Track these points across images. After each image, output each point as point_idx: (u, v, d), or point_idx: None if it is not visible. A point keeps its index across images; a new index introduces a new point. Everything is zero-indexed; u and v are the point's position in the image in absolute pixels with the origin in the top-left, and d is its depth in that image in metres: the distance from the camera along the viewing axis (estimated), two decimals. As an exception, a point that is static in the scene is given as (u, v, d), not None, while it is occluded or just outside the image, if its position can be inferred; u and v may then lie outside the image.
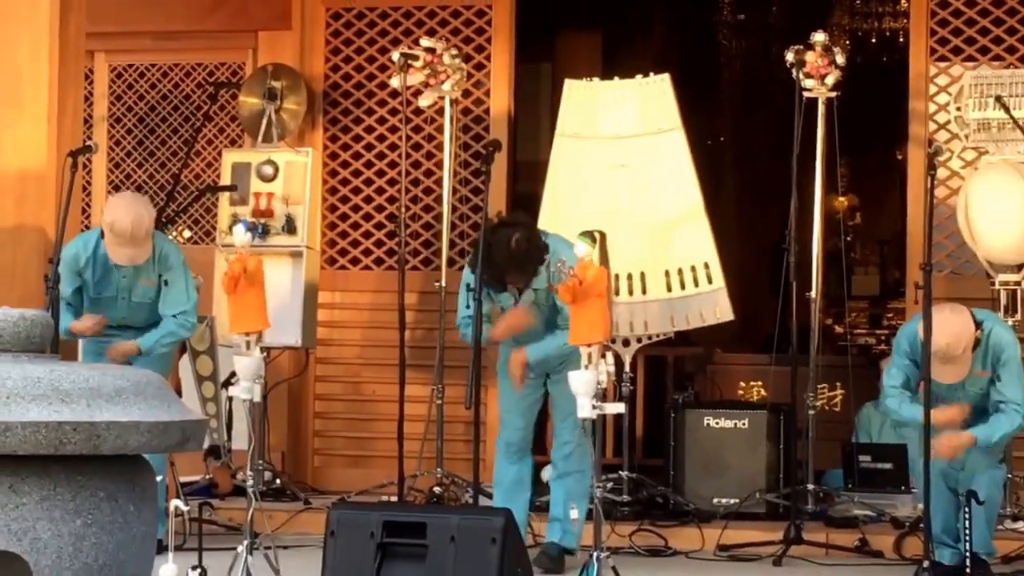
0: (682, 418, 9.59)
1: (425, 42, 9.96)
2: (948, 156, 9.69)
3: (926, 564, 7.35)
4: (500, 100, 10.63)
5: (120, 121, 11.17)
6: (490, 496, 8.33)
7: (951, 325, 7.59)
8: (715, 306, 9.57)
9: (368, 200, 10.84)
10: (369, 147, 10.86)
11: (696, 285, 9.54)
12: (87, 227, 8.78)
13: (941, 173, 9.54)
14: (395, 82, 9.88)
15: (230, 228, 9.36)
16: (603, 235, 8.22)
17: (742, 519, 9.16)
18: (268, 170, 10.15)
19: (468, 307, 7.82)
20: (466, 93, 10.46)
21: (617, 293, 9.23)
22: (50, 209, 8.63)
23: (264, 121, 10.35)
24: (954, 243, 9.56)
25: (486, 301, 7.76)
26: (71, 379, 4.65)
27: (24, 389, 4.58)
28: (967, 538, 7.61)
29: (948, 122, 9.91)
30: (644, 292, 9.57)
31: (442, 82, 9.90)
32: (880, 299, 15.75)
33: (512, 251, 7.84)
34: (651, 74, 9.92)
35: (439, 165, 10.25)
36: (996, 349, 7.83)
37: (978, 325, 7.71)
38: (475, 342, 7.60)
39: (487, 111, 10.62)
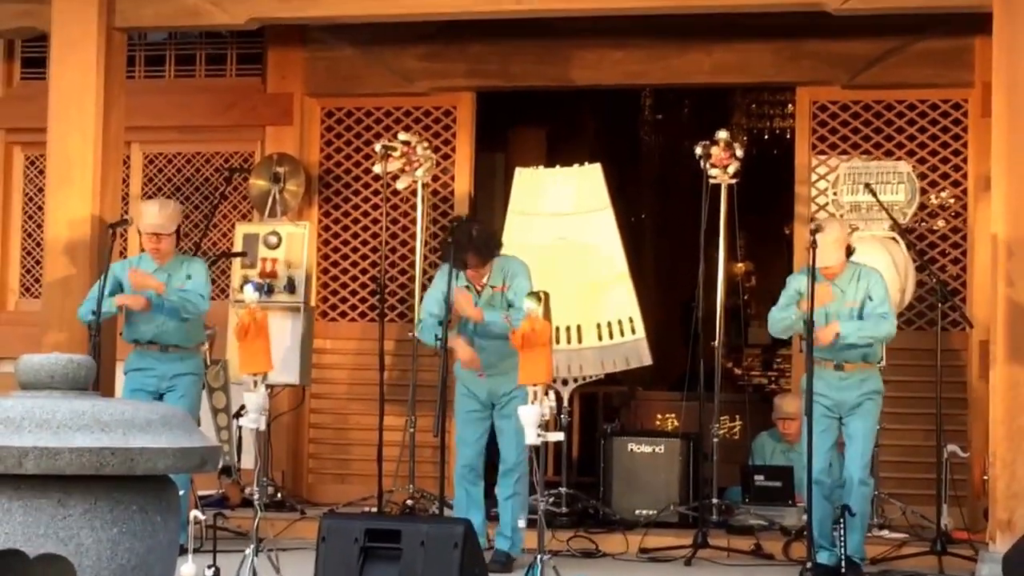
0: (610, 444, 9.57)
1: (402, 136, 9.96)
2: (826, 231, 9.72)
3: (809, 565, 7.34)
4: (462, 183, 10.63)
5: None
6: (453, 508, 8.30)
7: (835, 227, 7.91)
8: (637, 353, 9.58)
9: (354, 264, 10.82)
10: (356, 221, 10.84)
11: (622, 335, 9.54)
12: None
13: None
14: (377, 168, 9.87)
15: (241, 287, 9.33)
16: (547, 295, 8.21)
17: (659, 527, 9.14)
18: (273, 240, 10.12)
19: (433, 314, 8.01)
20: (435, 178, 10.46)
21: (557, 342, 9.22)
22: (93, 271, 8.60)
23: (270, 199, 10.32)
24: (831, 302, 9.57)
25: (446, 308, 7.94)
26: (110, 412, 4.63)
27: (71, 420, 4.55)
28: (842, 544, 7.62)
29: (827, 204, 9.95)
30: (580, 341, 9.57)
31: (416, 169, 9.89)
32: (771, 347, 15.74)
33: (473, 237, 8.01)
34: (586, 163, 9.95)
35: (413, 236, 10.23)
36: (867, 279, 7.98)
37: (851, 250, 8.00)
38: (441, 383, 7.60)
39: (452, 192, 10.63)
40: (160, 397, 8.39)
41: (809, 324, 7.66)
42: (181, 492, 5.58)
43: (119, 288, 8.42)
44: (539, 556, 6.79)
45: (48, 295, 9.01)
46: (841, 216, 9.58)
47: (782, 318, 8.00)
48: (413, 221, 10.19)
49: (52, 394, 4.74)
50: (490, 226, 8.48)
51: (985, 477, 8.39)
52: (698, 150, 9.32)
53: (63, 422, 4.54)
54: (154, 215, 8.49)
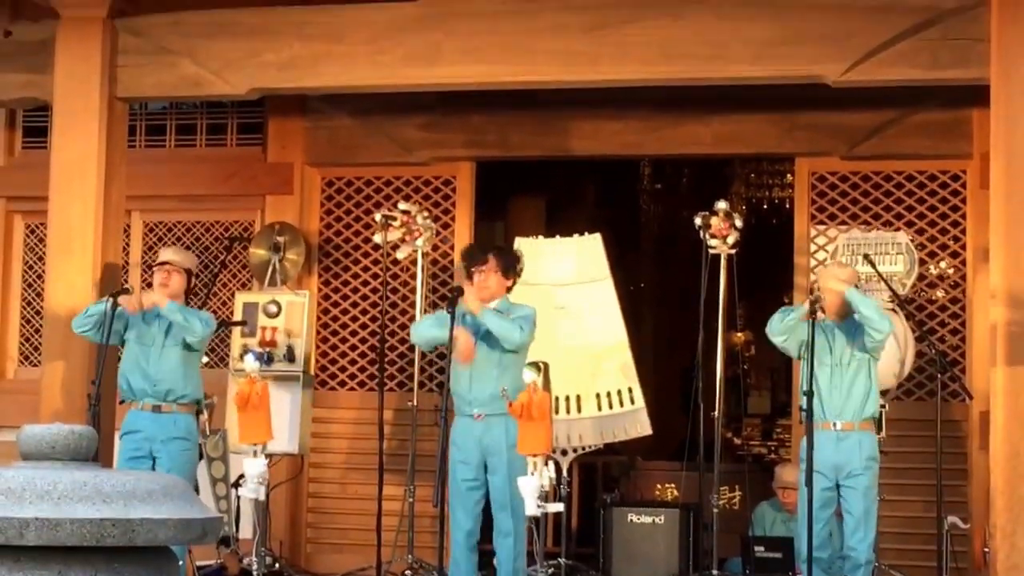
0: (610, 514, 9.56)
1: (402, 206, 10.02)
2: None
3: (809, 637, 7.33)
4: (462, 253, 10.68)
5: (152, 267, 11.15)
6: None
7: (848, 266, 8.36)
8: (637, 423, 9.60)
9: (354, 334, 10.85)
10: (355, 291, 10.88)
11: (621, 405, 9.56)
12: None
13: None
14: (377, 238, 9.92)
15: (241, 356, 9.35)
16: (546, 365, 8.25)
17: (659, 598, 9.14)
18: (273, 308, 10.15)
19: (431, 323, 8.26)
20: (435, 247, 10.50)
21: (557, 412, 9.23)
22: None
23: (270, 268, 10.36)
24: (831, 372, 9.60)
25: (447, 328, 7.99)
26: (111, 483, 4.63)
27: (72, 491, 4.55)
28: (842, 615, 7.61)
29: (826, 274, 9.99)
30: (579, 411, 9.59)
31: (416, 238, 9.93)
32: (770, 416, 15.78)
33: (496, 244, 8.40)
34: (585, 233, 10.00)
35: (412, 305, 10.25)
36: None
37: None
38: (440, 453, 7.60)
39: (451, 262, 10.66)
40: (153, 461, 8.38)
41: (809, 397, 7.68)
42: (180, 563, 5.57)
43: (124, 325, 8.47)
44: (539, 628, 6.79)
45: (48, 364, 9.03)
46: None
47: (788, 311, 8.05)
48: (413, 291, 10.23)
49: (53, 464, 4.75)
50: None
51: (986, 549, 8.39)
52: (698, 220, 9.36)
53: (64, 493, 4.54)
54: (170, 253, 8.73)
